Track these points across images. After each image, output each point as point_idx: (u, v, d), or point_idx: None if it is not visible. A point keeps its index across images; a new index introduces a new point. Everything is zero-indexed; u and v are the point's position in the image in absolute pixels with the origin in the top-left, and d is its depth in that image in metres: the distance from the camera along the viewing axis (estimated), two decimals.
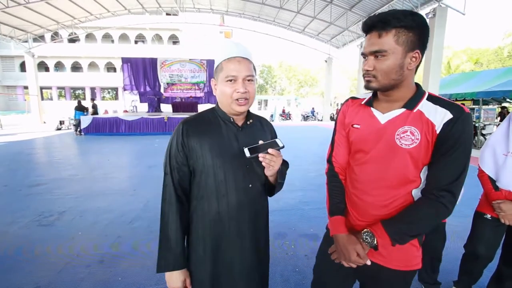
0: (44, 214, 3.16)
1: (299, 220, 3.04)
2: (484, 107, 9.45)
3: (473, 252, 1.65)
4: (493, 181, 1.53)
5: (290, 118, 21.40)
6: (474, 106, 9.41)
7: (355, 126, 0.96)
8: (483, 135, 8.66)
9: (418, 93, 0.88)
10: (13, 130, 12.75)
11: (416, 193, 0.89)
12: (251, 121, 1.05)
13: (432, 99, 0.86)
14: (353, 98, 1.04)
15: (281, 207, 3.42)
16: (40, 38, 16.01)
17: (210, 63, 14.53)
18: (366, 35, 0.87)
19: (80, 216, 3.13)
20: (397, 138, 0.86)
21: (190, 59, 14.78)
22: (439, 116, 0.82)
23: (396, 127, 0.86)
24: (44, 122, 16.31)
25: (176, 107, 14.19)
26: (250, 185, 1.00)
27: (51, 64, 26.46)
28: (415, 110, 0.86)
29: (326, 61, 18.81)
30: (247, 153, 0.90)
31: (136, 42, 27.57)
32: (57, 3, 12.49)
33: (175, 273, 0.96)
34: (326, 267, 1.10)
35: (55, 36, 16.14)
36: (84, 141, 9.41)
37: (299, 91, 40.39)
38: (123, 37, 26.63)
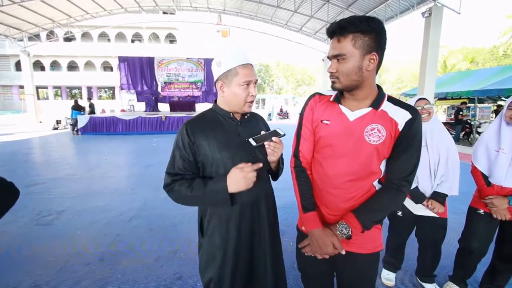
0: (42, 214, 3.16)
1: (297, 217, 3.06)
2: (479, 105, 9.55)
3: (467, 247, 1.69)
4: (485, 177, 1.57)
5: (287, 117, 21.43)
6: (470, 105, 9.50)
7: (324, 122, 1.01)
8: (478, 133, 8.76)
9: (380, 94, 0.97)
10: (9, 130, 12.64)
11: (376, 183, 1.00)
12: (248, 115, 1.17)
13: (392, 100, 0.97)
14: (319, 94, 1.08)
15: (280, 205, 3.41)
16: (35, 37, 15.86)
17: (208, 62, 14.50)
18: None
19: (78, 215, 3.13)
20: (365, 135, 0.94)
21: (187, 58, 14.75)
22: (401, 116, 0.93)
23: (364, 125, 0.94)
24: (41, 122, 16.20)
25: (174, 106, 14.15)
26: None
27: (46, 63, 26.21)
28: (379, 110, 0.95)
29: (323, 60, 18.81)
30: (253, 142, 1.02)
31: (133, 41, 27.40)
32: (52, 2, 12.38)
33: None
34: (306, 265, 1.18)
35: (50, 35, 16.00)
36: (81, 141, 9.37)
37: (297, 90, 40.43)
38: (120, 36, 26.45)
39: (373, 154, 0.94)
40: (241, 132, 1.10)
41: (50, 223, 2.92)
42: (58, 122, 13.42)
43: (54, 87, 27.77)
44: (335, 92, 1.02)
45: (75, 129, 10.94)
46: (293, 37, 17.91)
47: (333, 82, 0.95)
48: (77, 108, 11.30)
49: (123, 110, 14.99)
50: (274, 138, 1.03)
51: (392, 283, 1.93)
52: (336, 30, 0.88)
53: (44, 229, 2.79)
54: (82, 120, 10.88)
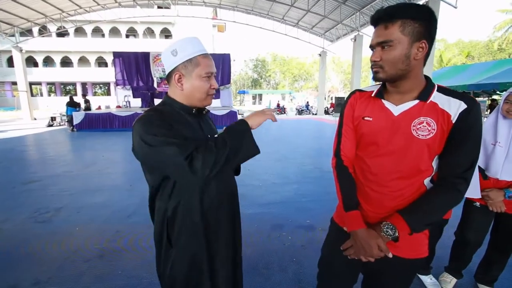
0: (40, 211, 3.14)
1: (295, 212, 3.09)
2: None
3: (463, 239, 1.72)
4: (482, 170, 1.59)
5: (284, 112, 21.42)
6: None
7: (366, 118, 0.95)
8: None
9: (429, 85, 0.89)
10: (3, 127, 12.47)
11: (427, 182, 0.91)
12: (206, 111, 1.10)
13: (443, 90, 0.89)
14: (360, 90, 1.03)
15: (278, 199, 3.47)
16: (27, 32, 15.53)
17: None
18: (374, 28, 0.88)
19: (77, 212, 3.12)
20: (413, 129, 0.87)
21: None
22: (454, 107, 0.84)
23: (411, 119, 0.87)
24: (35, 119, 15.99)
25: None
26: None
27: (39, 59, 25.77)
28: (428, 101, 0.87)
29: (320, 54, 18.79)
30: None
31: (127, 36, 27.02)
32: None
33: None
34: (334, 261, 1.11)
35: (43, 30, 15.70)
36: (77, 138, 9.28)
37: (294, 85, 40.36)
38: (114, 31, 26.05)
39: (423, 150, 0.86)
40: (203, 127, 1.03)
41: (48, 220, 2.91)
42: (53, 119, 13.25)
43: (48, 84, 27.39)
44: (377, 87, 0.96)
45: (71, 126, 10.83)
46: (289, 31, 17.81)
47: (375, 72, 0.87)
48: (72, 105, 11.16)
49: (118, 106, 14.82)
50: None
51: None
52: (383, 17, 0.82)
53: (43, 226, 2.78)
54: (78, 117, 10.77)
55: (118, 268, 2.08)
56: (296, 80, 40.38)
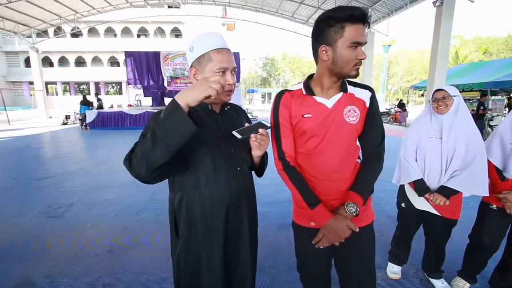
0: (53, 206, 3.24)
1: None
2: (492, 97, 9.27)
3: (478, 242, 1.65)
4: (499, 171, 1.52)
5: None
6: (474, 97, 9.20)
7: (306, 116, 1.02)
8: (490, 126, 8.52)
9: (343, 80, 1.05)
10: (20, 125, 12.93)
11: (357, 159, 1.08)
12: (228, 107, 1.08)
13: (350, 83, 1.07)
14: (287, 90, 1.08)
15: (285, 198, 3.44)
16: (43, 33, 16.02)
17: None
18: (354, 23, 0.89)
19: (88, 208, 3.20)
20: (345, 117, 1.01)
21: None
22: (364, 94, 1.05)
23: (342, 108, 1.02)
24: (50, 117, 16.51)
25: None
26: (239, 168, 1.03)
27: (55, 59, 26.56)
28: (348, 93, 1.04)
29: None
30: (237, 135, 0.92)
31: (138, 36, 27.46)
32: None
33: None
34: (310, 260, 1.19)
35: (58, 31, 16.14)
36: (90, 135, 9.52)
37: None
38: (126, 31, 26.53)
39: (353, 133, 1.03)
40: (221, 125, 1.00)
41: (61, 216, 2.99)
42: (67, 117, 13.65)
43: (63, 83, 28.20)
44: (300, 86, 1.07)
45: (84, 124, 11.11)
46: (299, 29, 17.63)
47: (358, 69, 0.97)
48: (86, 103, 11.47)
49: (130, 105, 15.12)
50: (260, 130, 0.95)
51: (397, 276, 1.91)
52: (366, 18, 0.91)
53: (55, 221, 2.86)
54: (91, 115, 11.05)
55: (126, 264, 2.12)
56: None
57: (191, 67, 0.96)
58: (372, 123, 1.04)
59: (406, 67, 33.46)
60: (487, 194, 1.47)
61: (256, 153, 1.02)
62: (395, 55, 34.47)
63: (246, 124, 0.98)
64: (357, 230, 0.98)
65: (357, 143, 1.06)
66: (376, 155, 1.05)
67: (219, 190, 0.97)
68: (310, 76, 1.09)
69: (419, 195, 1.62)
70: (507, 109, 10.00)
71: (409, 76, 33.04)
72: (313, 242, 1.04)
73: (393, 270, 1.93)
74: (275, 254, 2.25)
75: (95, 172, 4.78)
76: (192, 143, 0.89)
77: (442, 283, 1.79)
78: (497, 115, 8.80)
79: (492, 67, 9.61)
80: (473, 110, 8.82)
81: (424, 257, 1.88)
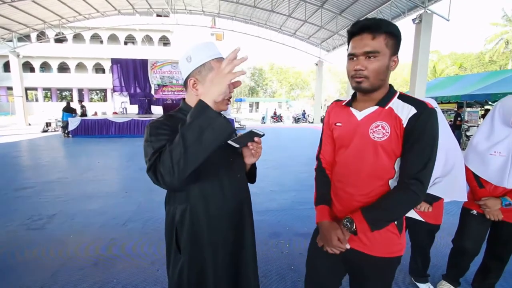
0: (33, 218, 3.08)
1: (293, 219, 3.08)
2: (468, 109, 9.81)
3: (461, 247, 1.73)
4: (477, 179, 1.61)
5: (281, 121, 21.53)
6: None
7: (337, 124, 1.06)
8: (467, 136, 8.99)
9: (390, 92, 0.97)
10: None
11: (392, 183, 0.97)
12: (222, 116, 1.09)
13: (402, 97, 0.96)
14: (337, 100, 1.14)
15: (275, 207, 3.45)
16: (25, 37, 15.55)
17: None
18: (354, 37, 0.91)
19: (71, 219, 3.07)
20: (370, 132, 0.95)
21: None
22: (405, 112, 0.91)
23: (370, 122, 0.95)
24: (29, 124, 15.82)
25: (167, 109, 14.03)
26: (239, 175, 1.06)
27: (36, 64, 25.71)
28: (386, 107, 0.95)
29: (316, 64, 19.08)
30: (235, 144, 0.95)
31: (125, 43, 27.16)
32: (44, 2, 12.21)
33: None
34: (317, 260, 1.17)
35: (41, 35, 15.73)
36: (72, 144, 9.19)
37: (290, 93, 40.73)
38: (113, 38, 26.20)
39: (378, 151, 0.93)
40: None
41: (42, 227, 2.85)
42: (48, 124, 13.13)
43: (44, 89, 27.26)
44: (348, 97, 1.07)
45: (66, 131, 10.73)
46: (287, 41, 18.11)
47: (358, 82, 0.92)
48: (69, 110, 11.09)
49: (115, 113, 14.78)
50: (256, 139, 0.97)
51: None
52: (371, 26, 0.87)
53: (36, 233, 2.72)
54: (73, 123, 10.69)
55: (113, 276, 2.04)
56: (293, 88, 40.79)
57: (189, 77, 0.94)
58: (410, 147, 0.90)
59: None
60: (465, 199, 1.57)
61: (250, 160, 1.06)
62: None
63: (239, 134, 0.99)
64: (348, 246, 0.96)
65: (395, 165, 0.95)
66: (404, 185, 0.90)
67: (225, 198, 0.98)
68: None
69: None
70: (481, 120, 10.61)
71: None
72: (316, 240, 1.09)
73: None
74: (266, 263, 2.24)
75: (79, 181, 4.60)
76: None
77: (429, 287, 1.85)
78: (473, 126, 9.31)
79: (468, 81, 10.23)
80: (450, 121, 9.29)
81: (410, 262, 1.95)
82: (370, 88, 0.92)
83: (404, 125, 0.90)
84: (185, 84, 0.97)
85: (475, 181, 1.62)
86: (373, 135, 0.94)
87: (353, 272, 1.11)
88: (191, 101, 0.98)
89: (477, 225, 1.65)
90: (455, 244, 1.78)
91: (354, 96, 1.05)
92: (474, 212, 1.65)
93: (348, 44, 0.95)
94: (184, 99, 1.02)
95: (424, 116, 0.88)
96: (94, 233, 2.74)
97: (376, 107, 0.96)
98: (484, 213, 1.58)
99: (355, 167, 0.99)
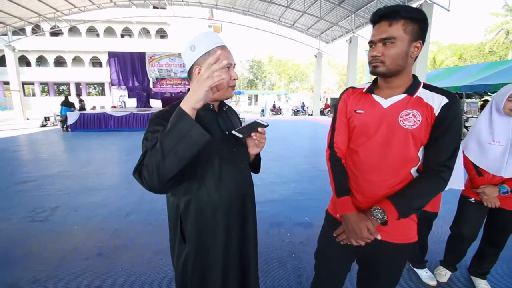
0: (36, 210, 3.11)
1: (293, 210, 3.12)
2: (467, 100, 9.83)
3: (458, 233, 1.77)
4: (476, 168, 1.64)
5: (280, 113, 21.48)
6: None
7: (358, 111, 1.02)
8: (466, 127, 9.02)
9: (416, 81, 0.97)
10: None
11: (414, 171, 0.97)
12: (226, 107, 1.10)
13: (428, 87, 0.97)
14: (353, 87, 1.11)
15: (276, 198, 3.50)
16: (20, 31, 15.31)
17: None
18: (374, 25, 0.93)
19: (74, 211, 3.10)
20: (400, 120, 0.94)
21: (179, 54, 14.54)
22: (437, 101, 0.92)
23: (399, 111, 0.95)
24: (28, 119, 15.75)
25: (166, 102, 13.95)
26: (242, 165, 1.06)
27: (32, 58, 25.38)
28: (414, 96, 0.95)
29: (315, 56, 18.92)
30: (238, 134, 0.95)
31: (122, 36, 26.81)
32: None
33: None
34: (329, 250, 1.17)
35: (36, 29, 15.48)
36: (72, 138, 9.18)
37: (289, 86, 40.51)
38: (109, 31, 25.83)
39: (408, 139, 0.93)
40: (222, 124, 1.01)
41: (45, 220, 2.88)
42: (46, 119, 13.07)
43: (41, 83, 27.00)
44: (368, 85, 1.05)
45: (65, 126, 10.70)
46: (285, 33, 17.90)
47: (375, 67, 0.94)
48: (67, 105, 11.02)
49: (113, 107, 14.70)
50: (259, 129, 0.97)
51: None
52: (388, 14, 0.88)
53: (40, 225, 2.76)
54: (72, 117, 10.64)
55: (118, 266, 2.08)
56: (292, 81, 40.53)
57: (194, 65, 0.94)
58: (441, 135, 0.91)
59: None
60: (462, 187, 1.61)
61: (254, 151, 1.05)
62: None
63: (244, 124, 1.00)
64: (379, 237, 0.94)
65: (419, 153, 0.96)
66: (434, 172, 0.93)
67: (228, 188, 0.99)
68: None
69: None
70: (480, 111, 10.63)
71: None
72: (334, 234, 1.04)
73: None
74: (268, 251, 2.29)
75: (80, 175, 4.62)
76: None
77: (426, 272, 1.90)
78: (472, 117, 9.33)
79: (467, 72, 10.20)
80: None
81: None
82: (386, 72, 0.93)
83: (436, 114, 0.91)
84: (190, 74, 0.97)
85: (474, 170, 1.64)
86: (403, 123, 0.93)
87: (365, 260, 1.11)
88: None
89: (474, 212, 1.69)
90: (453, 230, 1.82)
91: (375, 83, 1.03)
92: (472, 199, 1.68)
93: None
94: (189, 89, 1.03)
95: (455, 105, 0.91)
96: (97, 224, 2.78)
97: (404, 95, 0.95)
98: (482, 200, 1.61)
99: (379, 155, 0.97)
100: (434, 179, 0.93)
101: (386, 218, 0.92)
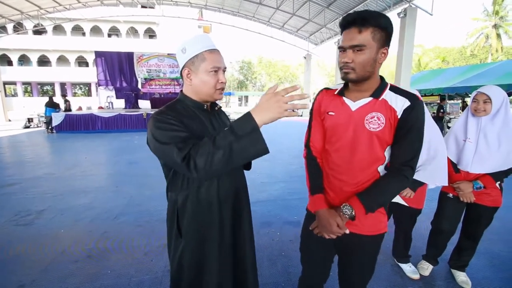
0: (20, 214, 3.03)
1: (283, 209, 3.17)
2: (449, 101, 10.20)
3: (439, 228, 1.87)
4: (454, 165, 1.74)
5: None
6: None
7: (330, 113, 1.08)
8: (449, 127, 9.37)
9: (382, 84, 1.02)
10: None
11: (381, 169, 1.04)
12: (218, 107, 1.15)
13: (394, 89, 1.01)
14: (327, 89, 1.16)
15: (266, 198, 3.54)
16: (1, 29, 14.78)
17: None
18: (344, 30, 0.96)
19: (61, 214, 3.04)
20: (366, 123, 0.99)
21: (168, 54, 14.40)
22: (400, 104, 0.97)
23: (365, 113, 1.00)
24: (9, 120, 15.20)
25: (155, 103, 13.81)
26: None
27: (14, 57, 24.45)
28: (380, 99, 1.00)
29: (305, 57, 19.16)
30: None
31: (109, 35, 26.24)
32: None
33: None
34: (310, 244, 1.23)
35: (18, 27, 14.98)
36: (57, 139, 8.93)
37: (279, 87, 40.72)
38: (95, 30, 25.23)
39: (373, 140, 0.99)
40: (215, 124, 1.07)
41: (31, 223, 2.81)
42: (29, 120, 12.67)
43: (24, 83, 26.04)
44: (341, 86, 1.09)
45: (49, 127, 10.39)
46: (275, 34, 18.04)
47: (346, 73, 0.97)
48: (52, 105, 10.71)
49: (101, 107, 14.40)
50: None
51: None
52: (358, 21, 0.90)
53: (25, 229, 2.69)
54: (57, 118, 10.35)
55: (107, 268, 2.07)
56: (282, 82, 40.80)
57: (184, 67, 0.99)
58: (402, 137, 0.97)
59: None
60: (446, 184, 1.68)
61: None
62: None
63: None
64: (347, 231, 1.00)
65: (385, 153, 1.02)
66: (397, 171, 0.99)
67: (224, 184, 1.03)
68: None
69: None
70: (461, 111, 11.06)
71: None
72: (310, 228, 1.12)
73: None
74: (258, 250, 2.28)
75: (66, 177, 4.52)
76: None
77: (410, 266, 1.99)
78: (454, 117, 9.69)
79: (450, 74, 10.58)
80: (433, 112, 9.64)
81: (393, 243, 2.09)
82: (356, 79, 0.97)
83: (399, 116, 0.96)
84: (181, 75, 1.02)
85: (451, 166, 1.74)
86: (368, 126, 0.99)
87: (342, 251, 1.18)
88: (187, 91, 1.04)
89: (452, 206, 1.78)
90: (433, 225, 1.92)
91: (345, 86, 1.08)
92: (450, 195, 1.78)
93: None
94: (182, 90, 1.06)
95: (417, 108, 0.96)
96: (86, 227, 2.73)
97: (370, 98, 1.00)
98: (458, 195, 1.70)
99: (348, 155, 1.03)
100: (397, 177, 0.99)
101: (354, 214, 0.99)
